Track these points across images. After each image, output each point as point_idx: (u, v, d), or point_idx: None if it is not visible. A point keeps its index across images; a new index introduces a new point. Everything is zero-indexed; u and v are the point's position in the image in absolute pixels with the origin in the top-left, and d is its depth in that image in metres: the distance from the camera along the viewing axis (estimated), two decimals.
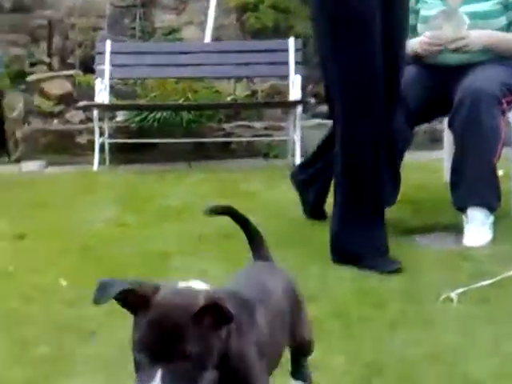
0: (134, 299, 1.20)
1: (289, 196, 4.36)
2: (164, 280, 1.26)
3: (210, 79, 6.35)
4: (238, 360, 1.20)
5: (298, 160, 5.31)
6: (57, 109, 6.16)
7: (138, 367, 1.13)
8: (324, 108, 6.13)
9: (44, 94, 6.22)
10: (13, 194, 4.60)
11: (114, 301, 1.23)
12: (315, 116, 5.97)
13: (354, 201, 3.09)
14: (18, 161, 5.77)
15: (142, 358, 1.11)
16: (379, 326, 2.44)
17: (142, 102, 5.97)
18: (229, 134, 5.91)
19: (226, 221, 3.93)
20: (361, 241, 3.04)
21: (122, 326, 2.49)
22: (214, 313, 1.12)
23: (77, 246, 3.42)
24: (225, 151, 5.81)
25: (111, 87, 5.84)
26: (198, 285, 1.22)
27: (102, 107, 5.59)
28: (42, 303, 2.71)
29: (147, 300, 1.17)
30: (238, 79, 6.49)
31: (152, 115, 5.71)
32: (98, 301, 1.19)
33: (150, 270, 3.07)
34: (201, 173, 5.10)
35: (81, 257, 3.27)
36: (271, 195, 4.39)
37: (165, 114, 5.72)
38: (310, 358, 2.05)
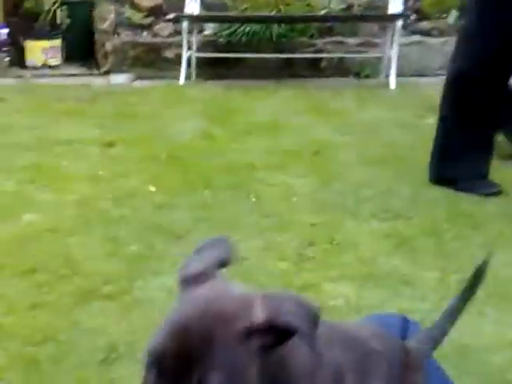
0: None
1: (381, 115, 4.16)
2: None
3: None
4: None
5: (392, 80, 5.02)
6: (146, 21, 6.09)
7: None
8: (424, 25, 5.75)
9: (135, 6, 6.14)
10: (102, 104, 4.64)
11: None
12: (414, 33, 5.58)
13: (458, 125, 2.90)
14: (106, 73, 5.80)
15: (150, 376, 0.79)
16: (474, 246, 2.31)
17: (232, 14, 5.78)
18: (320, 51, 5.64)
19: (314, 137, 3.84)
20: (460, 164, 2.89)
21: (207, 232, 2.49)
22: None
23: (164, 155, 3.41)
24: (314, 69, 5.57)
25: (201, 1, 5.68)
26: None
27: (191, 18, 5.45)
28: (132, 206, 2.74)
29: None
30: None
31: (241, 29, 5.52)
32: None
33: (235, 181, 3.03)
34: (289, 89, 4.93)
35: (168, 165, 3.27)
36: (363, 115, 4.19)
37: (254, 27, 5.50)
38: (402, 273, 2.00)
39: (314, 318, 0.79)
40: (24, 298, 1.97)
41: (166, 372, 0.76)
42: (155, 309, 1.94)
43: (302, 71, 5.55)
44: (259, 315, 0.76)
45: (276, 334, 0.76)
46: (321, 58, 5.63)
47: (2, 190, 2.91)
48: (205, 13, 5.71)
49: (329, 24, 5.85)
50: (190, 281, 0.85)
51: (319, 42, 5.67)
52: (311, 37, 5.71)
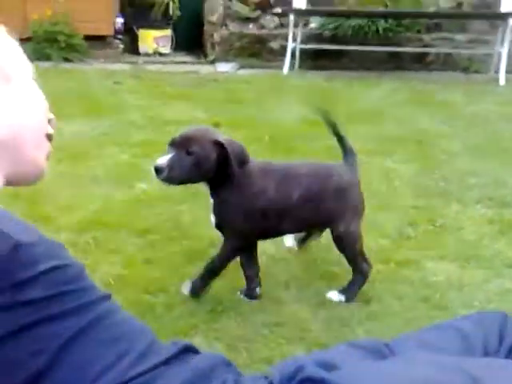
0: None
1: (488, 109, 4.05)
2: None
3: None
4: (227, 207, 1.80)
5: (502, 76, 4.86)
6: (254, 14, 6.25)
7: None
8: None
9: (243, 0, 6.34)
10: (209, 90, 4.83)
11: None
12: None
13: None
14: (213, 62, 6.01)
15: (167, 149, 1.71)
16: None
17: (338, 8, 5.81)
18: (427, 45, 5.55)
19: (418, 127, 3.80)
20: None
21: None
22: (220, 150, 1.69)
23: (267, 137, 3.51)
24: (420, 62, 5.50)
25: None
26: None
27: (299, 12, 5.55)
28: None
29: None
30: None
31: (347, 22, 5.55)
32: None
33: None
34: (393, 81, 4.89)
35: (272, 146, 3.36)
36: (470, 108, 4.10)
37: (360, 21, 5.52)
38: (506, 256, 1.94)
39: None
40: (139, 254, 2.13)
41: (173, 144, 1.70)
42: None
43: (408, 65, 5.50)
44: (221, 140, 1.70)
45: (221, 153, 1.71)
46: (427, 53, 5.55)
47: (118, 162, 3.12)
48: (311, 7, 5.78)
49: (436, 20, 5.75)
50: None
51: (426, 37, 5.59)
52: (418, 32, 5.64)
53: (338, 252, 2.15)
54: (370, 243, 2.23)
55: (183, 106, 4.23)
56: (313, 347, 1.59)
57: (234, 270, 2.04)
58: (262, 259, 2.11)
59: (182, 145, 1.68)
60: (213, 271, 1.86)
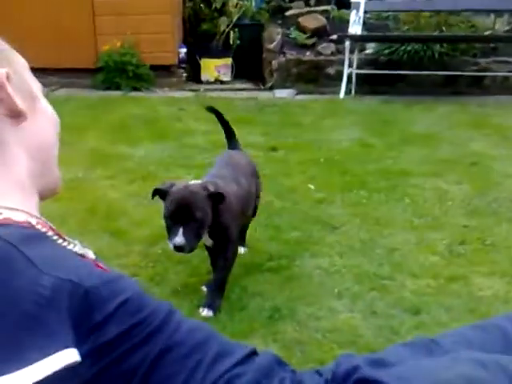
0: (159, 192, 1.98)
1: None
2: None
3: (467, 13, 6.02)
4: (222, 224, 2.00)
5: None
6: (310, 41, 6.45)
7: (168, 231, 1.88)
8: None
9: (300, 28, 6.56)
10: (267, 115, 5.02)
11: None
12: None
13: None
14: (271, 88, 6.23)
15: (169, 223, 1.87)
16: None
17: (393, 34, 5.94)
18: (483, 69, 5.60)
19: (473, 149, 3.85)
20: None
21: (361, 225, 2.68)
22: (214, 197, 1.90)
23: (323, 159, 3.66)
24: (477, 86, 5.54)
25: (364, 23, 5.91)
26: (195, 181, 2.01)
27: (354, 38, 5.71)
28: (292, 200, 3.02)
29: (167, 191, 1.93)
30: (499, 13, 6.04)
31: (402, 48, 5.66)
32: (152, 198, 2.04)
33: (390, 184, 3.19)
34: (449, 105, 4.97)
35: (327, 168, 3.51)
36: None
37: (416, 46, 5.62)
38: None
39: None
40: (203, 265, 2.31)
41: (176, 218, 1.85)
42: (311, 283, 2.18)
43: (464, 88, 5.55)
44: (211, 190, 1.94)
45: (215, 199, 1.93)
46: (484, 77, 5.58)
47: None
48: (367, 33, 5.93)
49: (492, 44, 5.79)
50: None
51: (482, 60, 5.63)
52: (474, 56, 5.69)
53: (389, 267, 2.28)
54: (421, 259, 2.35)
55: (243, 131, 4.41)
56: (363, 352, 1.71)
57: (291, 281, 2.20)
58: (316, 272, 2.26)
59: (184, 216, 1.83)
60: (223, 283, 2.06)
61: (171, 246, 1.84)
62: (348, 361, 0.99)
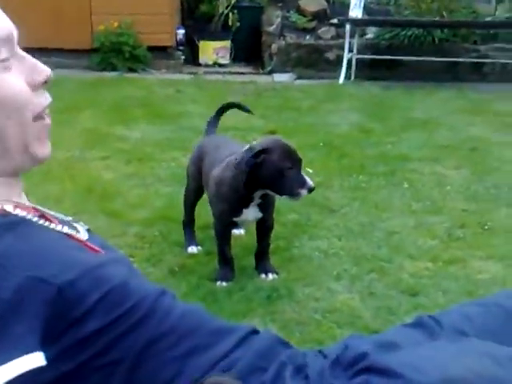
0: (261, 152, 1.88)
1: None
2: None
3: None
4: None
5: None
6: (310, 25, 6.39)
7: (292, 182, 1.84)
8: None
9: (300, 11, 6.50)
10: (266, 99, 4.99)
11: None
12: None
13: None
14: (270, 72, 6.19)
15: (293, 172, 1.84)
16: None
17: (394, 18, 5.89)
18: (483, 56, 5.57)
19: (472, 135, 3.84)
20: None
21: (360, 208, 2.67)
22: None
23: (322, 143, 3.64)
24: (477, 73, 5.51)
25: (364, 7, 5.86)
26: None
27: (355, 22, 5.66)
28: None
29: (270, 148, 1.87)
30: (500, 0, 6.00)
31: (403, 33, 5.62)
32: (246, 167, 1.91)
33: (389, 169, 3.18)
34: (449, 91, 4.95)
35: (326, 152, 3.49)
36: None
37: (416, 31, 5.58)
38: None
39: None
40: (201, 246, 2.30)
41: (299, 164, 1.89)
42: (310, 264, 2.17)
43: (464, 75, 5.52)
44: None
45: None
46: (484, 63, 5.55)
47: (180, 164, 3.29)
48: (367, 17, 5.88)
49: (493, 31, 5.75)
50: None
51: (483, 47, 5.60)
52: (474, 42, 5.66)
53: (388, 250, 2.27)
54: (419, 242, 2.34)
55: (242, 115, 4.38)
56: (362, 332, 1.70)
57: (289, 262, 2.19)
58: (314, 254, 2.25)
59: (300, 161, 1.88)
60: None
61: (305, 193, 1.85)
62: (356, 345, 0.96)
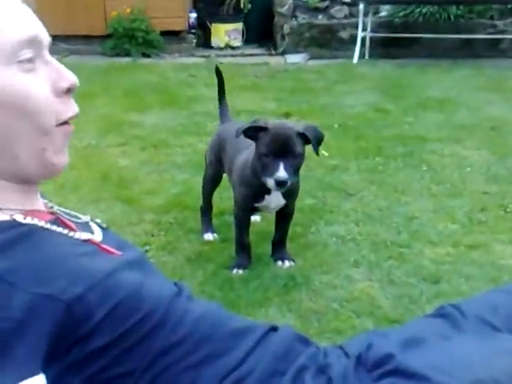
0: (254, 130, 1.84)
1: None
2: None
3: None
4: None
5: None
6: (323, 4, 6.28)
7: (264, 168, 1.80)
8: None
9: None
10: (279, 80, 4.92)
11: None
12: None
13: None
14: (283, 53, 6.10)
15: (267, 160, 1.78)
16: None
17: None
18: (501, 32, 5.43)
19: (491, 114, 3.75)
20: None
21: (377, 192, 2.62)
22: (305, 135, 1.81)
23: (337, 125, 3.58)
24: (494, 49, 5.38)
25: None
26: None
27: (368, 0, 5.54)
28: (306, 167, 2.83)
29: (265, 127, 1.81)
30: None
31: (418, 10, 5.50)
32: (237, 136, 1.86)
33: (406, 150, 3.11)
34: (465, 68, 4.84)
35: (341, 134, 3.43)
36: None
37: (431, 9, 5.46)
38: None
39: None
40: (218, 234, 2.27)
41: (276, 153, 1.80)
42: (327, 251, 2.13)
43: (481, 52, 5.40)
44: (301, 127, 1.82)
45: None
46: (501, 39, 5.42)
47: (196, 150, 3.24)
48: None
49: (510, 5, 5.60)
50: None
51: (500, 23, 5.46)
52: (491, 18, 5.52)
53: (407, 235, 2.22)
54: (440, 227, 2.29)
55: (255, 97, 4.35)
56: (382, 322, 1.67)
57: (306, 249, 2.15)
58: (331, 240, 2.21)
59: (287, 150, 1.77)
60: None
61: (271, 183, 1.79)
62: (380, 345, 0.92)
